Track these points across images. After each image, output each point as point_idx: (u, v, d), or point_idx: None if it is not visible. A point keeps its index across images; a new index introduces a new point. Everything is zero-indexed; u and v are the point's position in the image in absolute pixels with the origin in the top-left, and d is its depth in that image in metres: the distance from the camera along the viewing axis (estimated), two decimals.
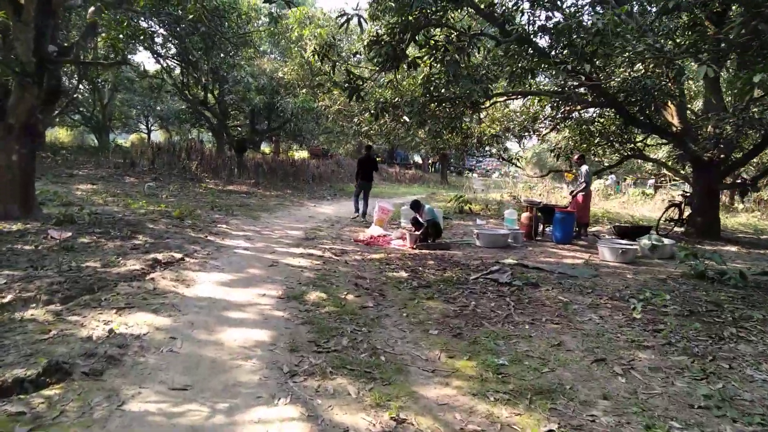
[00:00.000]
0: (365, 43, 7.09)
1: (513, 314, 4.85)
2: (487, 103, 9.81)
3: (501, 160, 14.59)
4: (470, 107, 8.23)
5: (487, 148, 14.39)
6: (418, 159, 49.44)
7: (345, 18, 5.86)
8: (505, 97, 11.00)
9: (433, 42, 7.09)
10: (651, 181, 36.47)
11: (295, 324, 4.28)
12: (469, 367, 3.60)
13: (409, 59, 6.93)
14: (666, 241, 8.54)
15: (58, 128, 35.90)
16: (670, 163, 13.55)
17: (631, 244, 8.23)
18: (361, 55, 7.24)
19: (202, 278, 5.49)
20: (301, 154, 34.24)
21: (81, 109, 27.40)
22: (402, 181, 31.62)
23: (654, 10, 9.43)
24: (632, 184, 34.68)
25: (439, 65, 7.38)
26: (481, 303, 5.20)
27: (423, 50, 7.25)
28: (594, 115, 12.63)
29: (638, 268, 7.37)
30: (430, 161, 47.27)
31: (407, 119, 8.00)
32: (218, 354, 3.56)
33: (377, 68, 7.05)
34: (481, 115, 8.91)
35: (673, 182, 21.50)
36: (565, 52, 8.27)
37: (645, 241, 8.41)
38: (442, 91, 9.02)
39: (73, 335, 3.60)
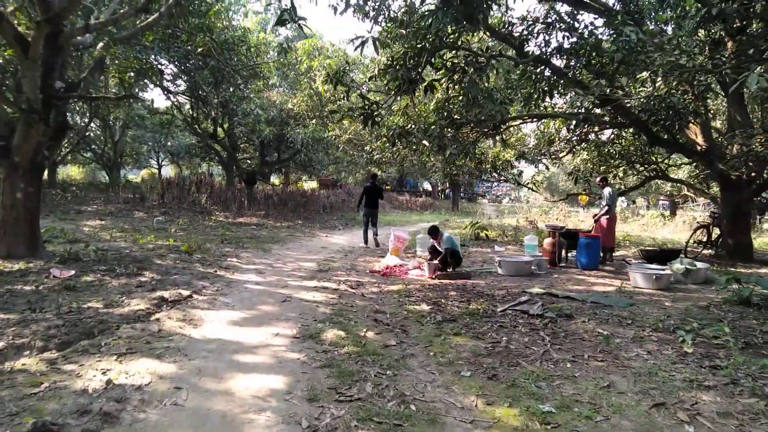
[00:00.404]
0: (380, 67, 6.86)
1: (550, 350, 4.41)
2: (502, 127, 9.53)
3: (517, 184, 14.24)
4: (492, 130, 7.93)
5: (501, 173, 14.07)
6: (427, 186, 49.34)
7: (360, 41, 5.63)
8: (520, 121, 10.72)
9: (450, 64, 6.85)
10: (662, 202, 35.90)
11: (312, 368, 3.87)
12: (512, 415, 3.17)
13: (426, 83, 6.66)
14: (699, 264, 8.06)
15: (70, 166, 36.30)
16: (694, 183, 13.10)
17: (663, 269, 7.78)
18: (375, 79, 6.99)
19: (211, 317, 5.12)
20: (310, 185, 34.17)
21: (92, 146, 27.65)
22: (413, 208, 31.34)
23: (669, 29, 9.23)
24: (646, 206, 34.13)
25: (457, 87, 7.12)
26: (514, 338, 4.77)
27: (440, 73, 7.00)
28: (612, 136, 12.30)
29: (675, 294, 6.89)
30: (439, 188, 47.13)
31: (427, 143, 7.71)
32: (228, 406, 3.16)
33: (393, 92, 6.80)
34: (497, 139, 8.60)
35: (695, 202, 20.97)
36: (584, 71, 8.03)
37: (677, 266, 7.94)
38: (456, 117, 8.76)
39: (66, 388, 3.23)
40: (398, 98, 7.28)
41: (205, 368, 3.76)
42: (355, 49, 5.69)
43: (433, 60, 6.75)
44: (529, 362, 4.12)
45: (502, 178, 15.00)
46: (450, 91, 7.61)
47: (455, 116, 8.74)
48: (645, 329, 5.06)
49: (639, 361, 4.15)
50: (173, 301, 5.48)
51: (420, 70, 6.47)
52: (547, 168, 13.28)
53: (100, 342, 4.10)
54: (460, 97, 7.85)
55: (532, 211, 21.11)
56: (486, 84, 6.83)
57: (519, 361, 4.13)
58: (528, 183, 14.21)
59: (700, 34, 9.20)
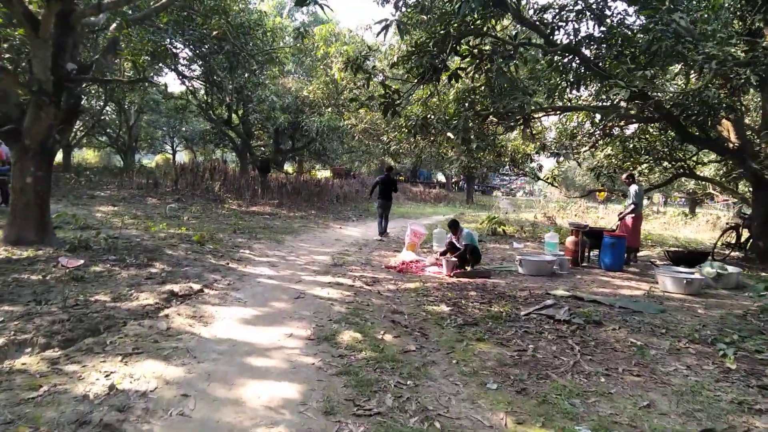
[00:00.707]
0: (402, 54, 6.54)
1: (581, 362, 4.12)
2: (532, 118, 9.15)
3: (536, 178, 13.90)
4: (521, 122, 7.57)
5: (521, 167, 13.72)
6: (441, 178, 48.87)
7: (384, 24, 5.31)
8: (543, 114, 10.32)
9: (477, 51, 6.48)
10: (678, 200, 35.12)
11: (328, 374, 3.63)
12: None
13: (451, 71, 6.33)
14: (730, 269, 7.68)
15: (85, 149, 36.42)
16: (722, 181, 12.61)
17: (693, 272, 7.44)
18: (397, 66, 6.66)
19: (222, 314, 4.90)
20: (323, 174, 33.94)
21: (107, 130, 27.62)
22: (427, 200, 30.99)
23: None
24: (663, 202, 33.43)
25: (482, 77, 6.76)
26: (541, 346, 4.49)
27: (466, 60, 6.66)
28: (636, 131, 11.85)
29: (707, 300, 6.55)
30: (453, 180, 46.69)
31: (451, 135, 7.39)
32: (238, 418, 2.93)
33: (415, 80, 6.47)
34: (526, 132, 8.27)
35: (715, 201, 20.39)
36: (615, 63, 7.64)
37: (708, 269, 7.57)
38: (478, 108, 8.42)
39: (66, 392, 3.02)
40: (421, 87, 6.95)
41: (215, 372, 3.53)
42: (378, 34, 5.38)
43: (458, 47, 6.39)
44: (560, 375, 3.84)
45: (521, 171, 14.63)
46: (475, 81, 7.24)
47: (477, 107, 8.41)
48: (681, 340, 4.74)
49: (679, 377, 3.85)
50: (183, 295, 5.27)
51: (444, 57, 6.12)
52: (579, 164, 12.84)
53: (106, 340, 3.89)
54: (485, 87, 7.50)
55: (549, 206, 20.66)
56: (515, 73, 6.48)
57: (548, 373, 3.86)
58: (548, 177, 13.80)
59: (734, 25, 8.76)
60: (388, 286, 6.78)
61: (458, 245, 8.04)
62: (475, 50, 6.47)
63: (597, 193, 18.11)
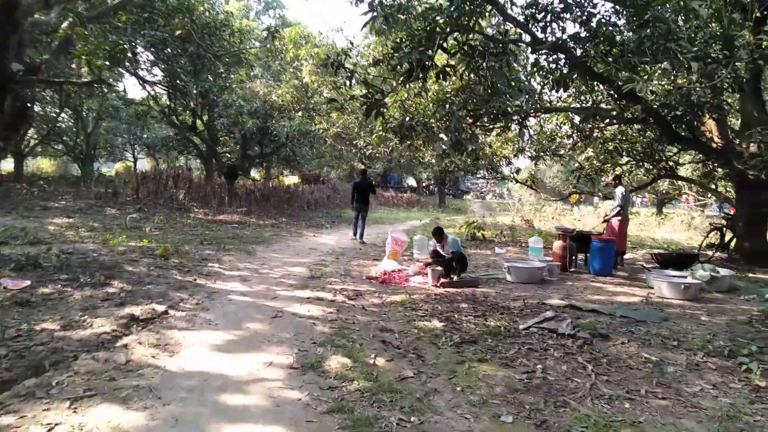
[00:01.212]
0: (387, 51, 6.08)
1: (598, 383, 3.71)
2: (530, 117, 8.82)
3: (514, 181, 13.68)
4: (519, 121, 7.21)
5: (498, 170, 13.46)
6: (412, 182, 48.59)
7: (370, 16, 4.83)
8: (540, 113, 10.01)
9: (467, 47, 6.05)
10: (638, 200, 35.67)
11: (318, 413, 3.11)
12: None
13: (439, 68, 5.88)
14: (723, 271, 7.49)
15: (40, 158, 34.72)
16: (702, 181, 12.57)
17: (685, 276, 7.22)
18: (384, 63, 6.17)
19: (190, 340, 4.30)
20: (291, 180, 33.17)
21: (64, 138, 26.28)
22: (399, 205, 30.61)
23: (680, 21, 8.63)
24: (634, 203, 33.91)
25: (472, 75, 6.35)
26: (549, 366, 4.07)
27: (457, 57, 6.23)
28: (616, 132, 11.69)
29: (707, 306, 6.28)
30: (425, 184, 46.50)
31: (444, 137, 6.94)
32: None
33: (401, 78, 6.01)
34: (523, 132, 7.95)
35: (686, 202, 20.67)
36: (602, 61, 7.38)
37: (701, 272, 7.35)
38: (465, 110, 8.02)
39: None
40: (406, 86, 6.50)
41: (183, 416, 2.97)
42: (363, 26, 4.90)
43: (445, 43, 5.97)
44: (578, 401, 3.42)
45: (498, 174, 14.38)
46: (464, 78, 6.82)
47: (470, 107, 7.99)
48: (696, 353, 4.40)
49: (708, 399, 3.48)
50: (145, 319, 4.65)
51: (431, 53, 5.68)
52: (573, 161, 12.61)
53: (51, 380, 3.27)
54: (468, 88, 7.11)
55: (524, 209, 20.54)
56: (508, 70, 6.11)
57: (566, 400, 3.43)
58: (526, 180, 13.57)
59: (714, 25, 8.65)
60: (372, 299, 6.28)
61: (443, 253, 7.61)
62: (465, 46, 6.04)
63: (570, 196, 18.06)
